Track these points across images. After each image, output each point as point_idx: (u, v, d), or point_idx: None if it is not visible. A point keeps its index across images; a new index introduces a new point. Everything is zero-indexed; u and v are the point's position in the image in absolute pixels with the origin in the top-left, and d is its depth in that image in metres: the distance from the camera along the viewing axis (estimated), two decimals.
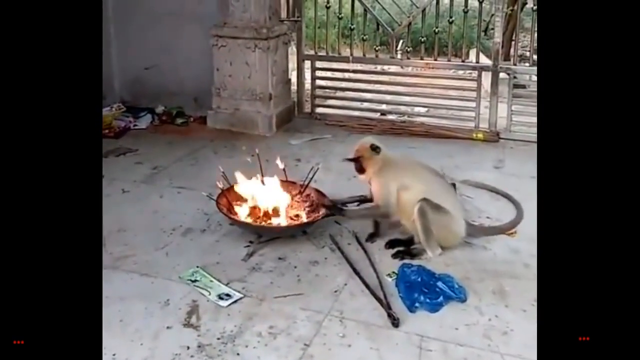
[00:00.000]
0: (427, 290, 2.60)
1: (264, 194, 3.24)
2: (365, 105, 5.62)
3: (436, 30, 5.04)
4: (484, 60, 5.34)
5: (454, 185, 3.53)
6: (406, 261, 2.88)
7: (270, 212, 3.17)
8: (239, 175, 3.30)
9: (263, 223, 3.15)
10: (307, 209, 3.30)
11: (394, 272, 2.81)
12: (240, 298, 2.64)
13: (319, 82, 5.47)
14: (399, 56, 5.93)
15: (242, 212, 3.18)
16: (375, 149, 3.04)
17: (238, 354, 2.30)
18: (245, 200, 3.28)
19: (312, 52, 5.46)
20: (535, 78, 4.94)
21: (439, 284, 2.63)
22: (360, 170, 3.08)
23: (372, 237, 3.16)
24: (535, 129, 3.92)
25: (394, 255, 2.99)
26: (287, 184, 3.37)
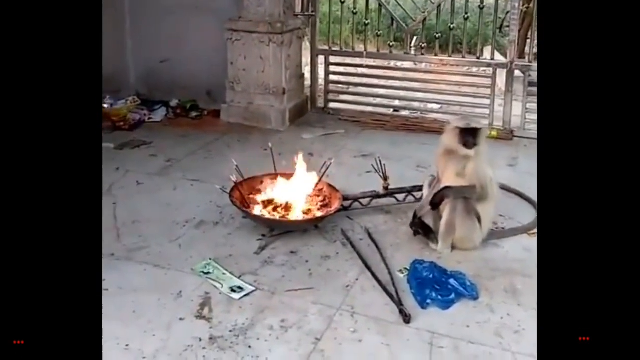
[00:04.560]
0: (438, 287, 2.60)
1: (283, 188, 3.28)
2: (379, 101, 5.61)
3: (451, 26, 5.02)
4: (499, 58, 5.31)
5: None
6: (417, 256, 2.88)
7: (285, 206, 3.19)
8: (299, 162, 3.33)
9: (276, 215, 3.16)
10: (319, 203, 3.31)
11: (405, 268, 2.81)
12: (253, 291, 2.66)
13: (332, 77, 5.48)
14: (413, 52, 5.90)
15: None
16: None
17: (250, 347, 2.31)
18: (260, 192, 3.31)
19: (326, 47, 5.46)
20: None
21: (451, 281, 2.63)
22: (472, 145, 2.91)
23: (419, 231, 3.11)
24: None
25: (412, 224, 3.10)
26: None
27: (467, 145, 2.91)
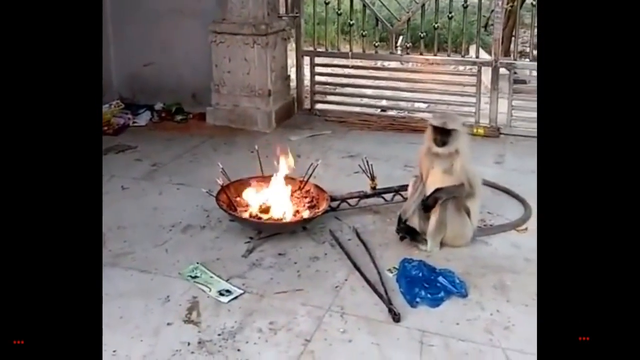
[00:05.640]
0: (427, 285, 2.60)
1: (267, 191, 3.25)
2: (365, 101, 5.60)
3: (435, 25, 5.03)
4: (484, 56, 5.33)
5: None
6: (406, 255, 2.87)
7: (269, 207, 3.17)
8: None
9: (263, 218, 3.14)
10: (306, 204, 3.29)
11: (394, 267, 2.80)
12: (241, 294, 2.63)
13: (318, 78, 5.45)
14: (398, 52, 5.91)
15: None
16: (464, 127, 2.98)
17: (239, 350, 2.29)
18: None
19: (311, 48, 5.44)
20: (535, 73, 4.92)
21: (440, 279, 2.63)
22: (444, 142, 2.90)
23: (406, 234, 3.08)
24: (535, 124, 3.92)
25: (398, 230, 3.05)
26: (287, 179, 3.36)
27: (436, 142, 2.92)
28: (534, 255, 2.84)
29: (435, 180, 2.98)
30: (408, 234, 3.07)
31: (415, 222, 3.07)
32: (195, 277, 2.76)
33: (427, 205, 2.98)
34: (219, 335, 2.37)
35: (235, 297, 2.61)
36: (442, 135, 2.90)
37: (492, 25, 5.16)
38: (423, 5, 5.11)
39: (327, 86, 5.62)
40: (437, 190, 2.95)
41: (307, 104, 5.50)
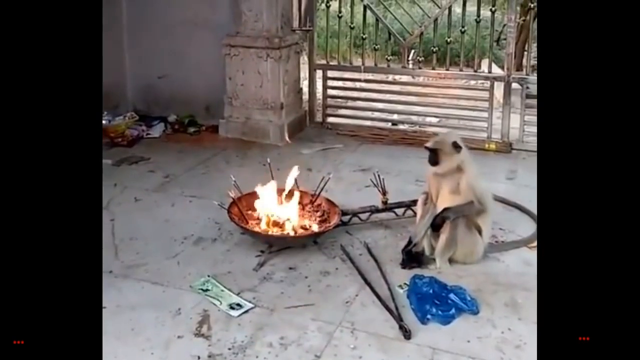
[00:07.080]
0: (439, 302, 2.58)
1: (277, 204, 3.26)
2: (377, 115, 5.61)
3: (448, 40, 5.04)
4: (496, 71, 5.33)
5: None
6: (417, 272, 2.86)
7: (282, 221, 3.18)
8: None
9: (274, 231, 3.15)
10: (317, 218, 3.29)
11: (405, 284, 2.79)
12: (251, 308, 2.64)
13: (330, 92, 5.48)
14: (410, 66, 5.92)
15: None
16: (457, 146, 2.96)
17: None
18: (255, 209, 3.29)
19: (323, 62, 5.48)
20: None
21: (451, 295, 2.62)
22: (435, 162, 2.97)
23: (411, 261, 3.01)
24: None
25: (402, 262, 3.00)
26: (298, 193, 3.37)
27: (429, 162, 2.97)
28: None
29: (444, 200, 2.98)
30: (412, 261, 3.00)
31: (425, 244, 3.04)
32: (206, 290, 2.77)
33: (435, 225, 2.98)
34: (229, 349, 2.37)
35: (246, 311, 2.61)
36: (431, 154, 2.96)
37: (505, 39, 5.17)
38: (436, 19, 5.13)
39: (339, 99, 5.64)
40: (445, 209, 2.95)
41: (318, 117, 5.52)
